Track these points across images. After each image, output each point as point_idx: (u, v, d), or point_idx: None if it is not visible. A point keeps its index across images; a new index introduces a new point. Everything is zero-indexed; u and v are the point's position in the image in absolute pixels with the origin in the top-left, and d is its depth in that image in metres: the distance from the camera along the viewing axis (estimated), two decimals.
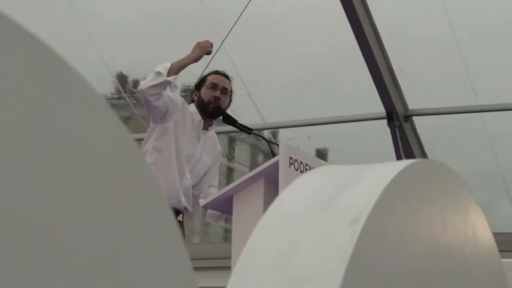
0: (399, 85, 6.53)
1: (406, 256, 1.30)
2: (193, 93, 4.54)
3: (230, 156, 10.61)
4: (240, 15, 6.11)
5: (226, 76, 4.54)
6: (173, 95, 4.37)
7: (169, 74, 4.17)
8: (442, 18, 6.19)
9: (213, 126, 4.58)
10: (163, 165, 4.30)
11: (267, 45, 6.77)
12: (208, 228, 7.53)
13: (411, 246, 1.32)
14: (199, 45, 4.33)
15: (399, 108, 6.54)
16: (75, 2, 6.62)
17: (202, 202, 4.29)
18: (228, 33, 6.20)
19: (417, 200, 1.36)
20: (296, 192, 1.32)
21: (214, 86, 4.45)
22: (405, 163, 1.37)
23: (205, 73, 4.69)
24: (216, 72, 4.59)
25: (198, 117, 4.44)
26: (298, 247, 1.21)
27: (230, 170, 9.80)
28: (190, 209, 4.57)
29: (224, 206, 4.04)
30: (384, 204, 1.26)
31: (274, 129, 7.07)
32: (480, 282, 1.50)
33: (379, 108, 6.59)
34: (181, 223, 4.37)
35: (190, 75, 5.03)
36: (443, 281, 1.38)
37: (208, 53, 4.35)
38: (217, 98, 4.43)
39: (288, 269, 1.19)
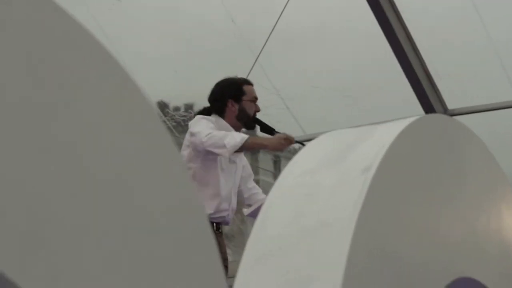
0: (436, 86, 6.54)
1: (418, 201, 1.35)
2: (229, 102, 4.36)
3: (276, 176, 10.67)
4: (272, 30, 6.19)
5: (252, 85, 4.56)
6: (214, 128, 4.24)
7: (239, 150, 4.07)
8: (474, 16, 6.21)
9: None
10: (212, 186, 4.28)
11: (302, 59, 6.84)
12: None
13: (424, 192, 1.37)
14: (287, 140, 4.22)
15: (438, 110, 6.54)
16: (111, 37, 6.77)
17: (245, 211, 4.33)
18: (262, 49, 6.29)
19: (428, 151, 1.41)
20: (310, 152, 1.38)
21: (255, 100, 4.42)
22: (415, 117, 1.42)
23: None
24: (250, 83, 4.53)
25: (230, 130, 4.33)
26: (314, 198, 1.27)
27: None
28: (229, 223, 4.61)
29: None
30: (395, 153, 1.31)
31: None
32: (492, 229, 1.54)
33: (419, 112, 6.61)
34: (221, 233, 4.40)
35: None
36: (453, 225, 1.42)
37: (282, 150, 4.32)
38: (258, 111, 4.43)
39: (305, 219, 1.24)
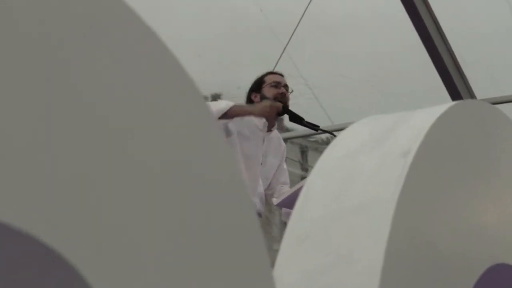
0: (464, 74, 6.52)
1: (455, 186, 1.36)
2: (252, 95, 4.55)
3: (303, 167, 10.67)
4: (300, 20, 6.20)
5: (282, 75, 4.64)
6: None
7: (223, 117, 4.16)
8: (502, 3, 6.18)
9: (276, 126, 4.63)
10: None
11: (330, 48, 6.85)
12: None
13: (461, 177, 1.38)
14: (272, 106, 4.29)
15: (466, 98, 6.52)
16: None
17: (275, 201, 4.36)
18: (290, 37, 6.30)
19: (466, 136, 1.42)
20: (349, 136, 1.40)
21: (277, 85, 4.53)
22: (453, 103, 1.43)
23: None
24: (273, 72, 4.67)
25: (261, 120, 4.45)
26: (353, 181, 1.29)
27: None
28: (262, 215, 4.64)
29: None
30: (433, 137, 1.32)
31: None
32: None
33: (447, 101, 6.58)
34: None
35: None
36: (489, 212, 1.43)
37: (269, 117, 4.36)
38: (283, 95, 4.51)
39: (344, 201, 1.26)
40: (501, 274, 1.42)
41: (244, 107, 4.30)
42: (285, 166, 4.72)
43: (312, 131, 5.09)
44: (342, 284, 1.19)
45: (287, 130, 7.33)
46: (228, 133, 4.26)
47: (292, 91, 4.61)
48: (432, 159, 1.34)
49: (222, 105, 4.15)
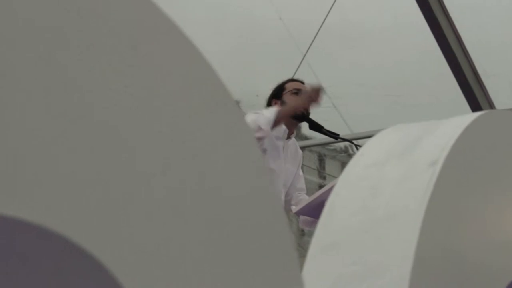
0: (484, 86, 6.49)
1: (482, 197, 1.36)
2: (272, 101, 4.55)
3: (321, 175, 10.62)
4: (319, 28, 6.20)
5: (303, 82, 4.64)
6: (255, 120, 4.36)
7: (274, 125, 4.15)
8: None
9: (294, 134, 4.64)
10: None
11: (349, 57, 6.84)
12: (303, 242, 7.61)
13: (488, 188, 1.38)
14: (307, 95, 4.28)
15: (485, 109, 6.50)
16: None
17: (294, 208, 4.35)
18: (309, 46, 6.30)
19: (493, 146, 1.41)
20: (375, 145, 1.40)
21: (297, 92, 4.53)
22: (480, 112, 1.42)
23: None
24: (294, 80, 4.67)
25: (282, 127, 4.45)
26: (380, 190, 1.28)
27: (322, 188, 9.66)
28: None
29: (317, 211, 4.05)
30: (461, 147, 1.32)
31: (363, 139, 7.10)
32: None
33: (466, 111, 6.56)
34: None
35: None
36: None
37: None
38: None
39: (372, 210, 1.26)
40: None
41: (285, 107, 4.28)
42: (301, 172, 4.71)
43: (331, 140, 5.09)
44: None
45: (306, 138, 7.33)
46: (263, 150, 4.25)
47: None
48: (460, 169, 1.33)
49: (268, 115, 4.14)
